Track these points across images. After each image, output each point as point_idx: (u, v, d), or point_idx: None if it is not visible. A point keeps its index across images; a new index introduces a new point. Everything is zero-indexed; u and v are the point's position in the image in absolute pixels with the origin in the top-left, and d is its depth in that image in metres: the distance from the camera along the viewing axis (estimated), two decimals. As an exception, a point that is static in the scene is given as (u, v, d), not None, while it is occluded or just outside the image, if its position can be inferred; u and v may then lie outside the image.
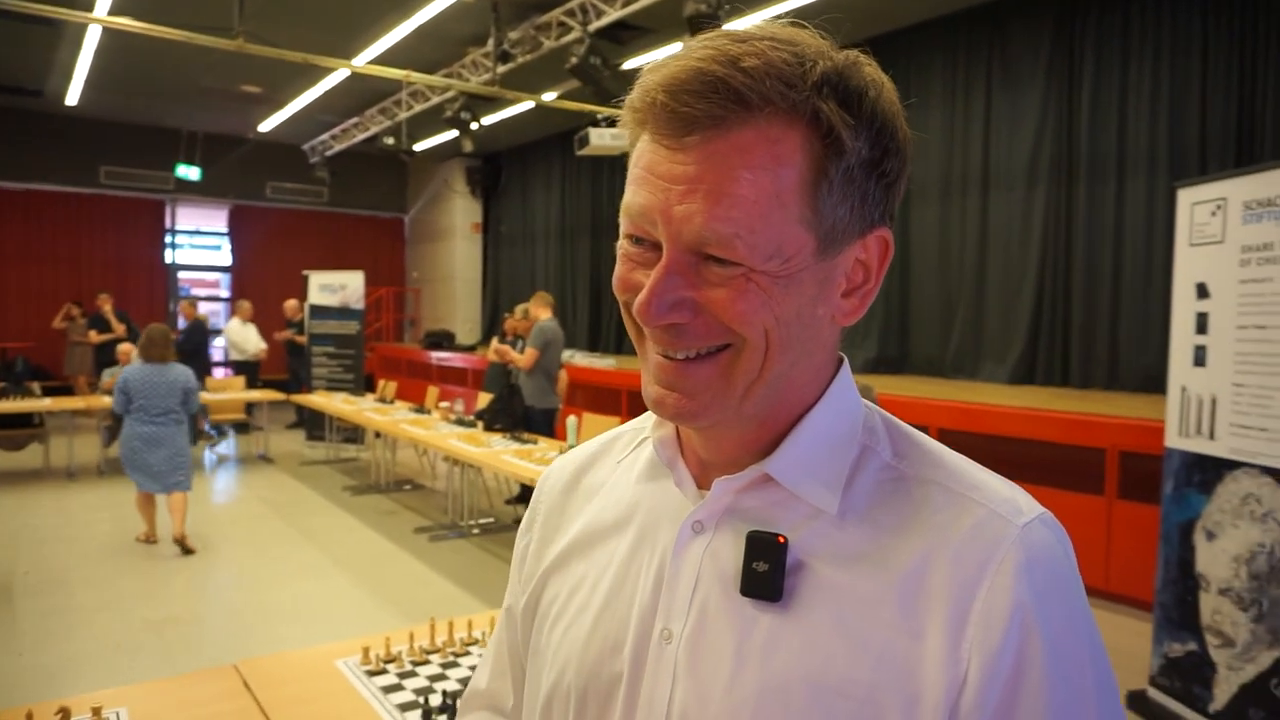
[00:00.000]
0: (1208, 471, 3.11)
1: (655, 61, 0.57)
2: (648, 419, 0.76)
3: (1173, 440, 3.31)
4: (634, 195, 0.57)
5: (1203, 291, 3.19)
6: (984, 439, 5.25)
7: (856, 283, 0.61)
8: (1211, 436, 3.11)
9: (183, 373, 5.67)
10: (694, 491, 0.66)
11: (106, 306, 10.43)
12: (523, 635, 0.78)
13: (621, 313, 0.62)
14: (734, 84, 0.53)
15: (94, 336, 10.42)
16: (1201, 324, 3.19)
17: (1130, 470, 4.59)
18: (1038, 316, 6.98)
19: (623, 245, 0.60)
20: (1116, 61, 6.47)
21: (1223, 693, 3.00)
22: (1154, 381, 5.89)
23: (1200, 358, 3.18)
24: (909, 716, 0.54)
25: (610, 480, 0.76)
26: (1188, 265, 3.27)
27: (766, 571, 0.59)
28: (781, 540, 0.60)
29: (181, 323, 11.00)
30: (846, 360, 0.67)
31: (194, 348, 9.99)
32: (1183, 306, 3.29)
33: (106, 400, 8.08)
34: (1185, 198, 3.29)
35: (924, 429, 5.58)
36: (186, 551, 5.50)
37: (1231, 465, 3.01)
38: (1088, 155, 6.65)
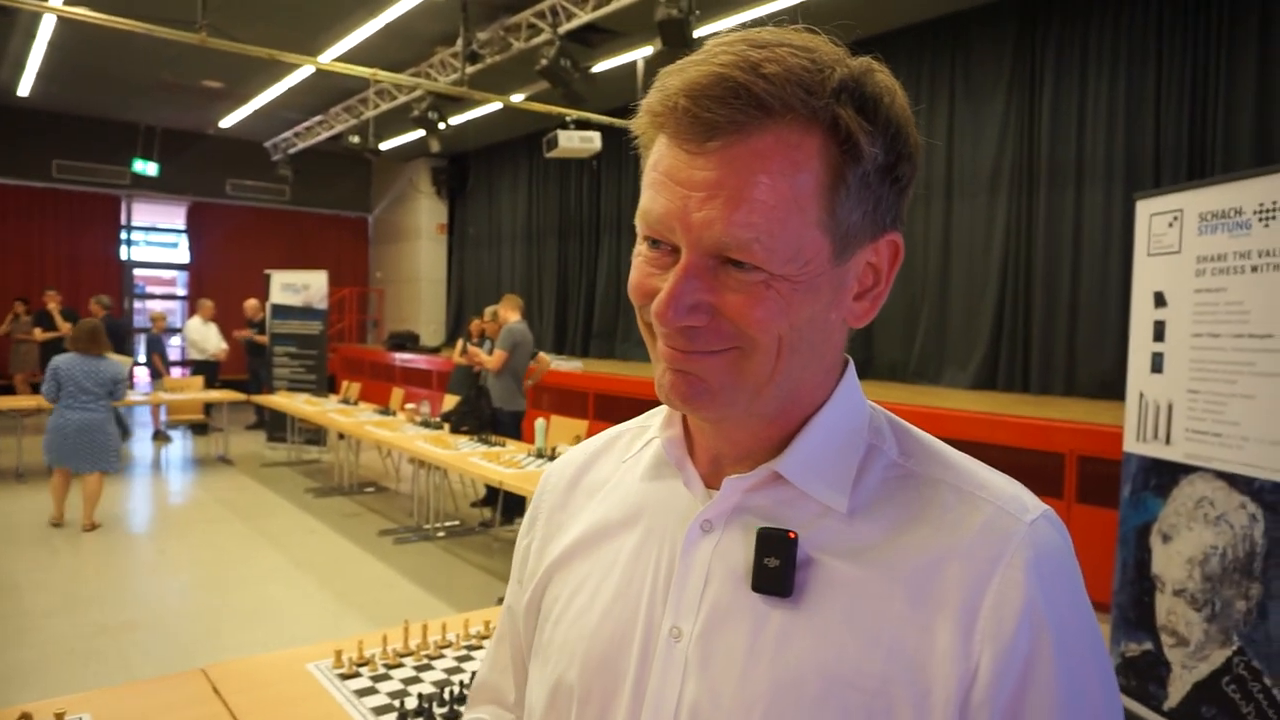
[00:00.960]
0: (1164, 476, 3.20)
1: (673, 65, 0.57)
2: (650, 418, 0.76)
3: (1131, 445, 3.40)
4: (653, 200, 0.58)
5: (1160, 300, 3.28)
6: (946, 443, 5.33)
7: (868, 285, 0.62)
8: (1168, 441, 3.20)
9: (114, 366, 5.99)
10: (702, 491, 0.67)
11: (52, 304, 10.13)
12: (525, 635, 0.78)
13: (636, 317, 0.63)
14: (756, 90, 0.53)
15: (38, 334, 10.13)
16: (1159, 332, 3.28)
17: (1088, 474, 4.70)
18: (999, 323, 7.11)
19: (639, 249, 0.61)
20: (1075, 73, 6.63)
21: (1177, 691, 3.08)
22: (1109, 388, 6.03)
23: (1158, 364, 3.27)
24: (920, 709, 0.55)
25: (614, 479, 0.76)
26: (1146, 274, 3.36)
27: (778, 567, 0.60)
28: (792, 536, 0.61)
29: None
30: (852, 362, 0.68)
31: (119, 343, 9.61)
32: (1141, 314, 3.37)
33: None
34: (1144, 209, 3.38)
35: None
36: (92, 528, 5.92)
37: (1187, 470, 3.10)
38: (1048, 164, 6.80)
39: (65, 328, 9.91)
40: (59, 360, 5.84)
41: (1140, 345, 3.36)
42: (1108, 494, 4.33)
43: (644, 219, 0.59)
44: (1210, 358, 3.03)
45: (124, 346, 9.28)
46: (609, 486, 0.76)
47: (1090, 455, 4.68)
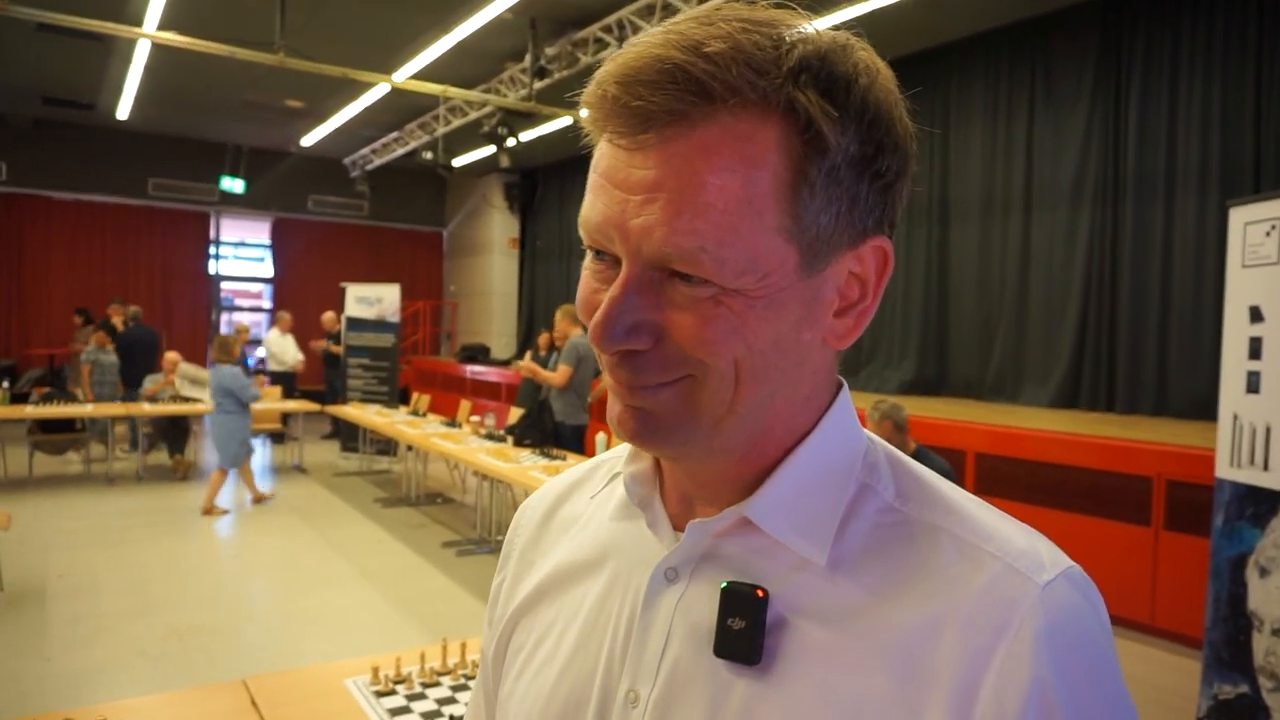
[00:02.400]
0: (1261, 504, 2.96)
1: (615, 52, 0.50)
2: (626, 448, 0.69)
3: (1223, 470, 3.16)
4: (590, 206, 0.51)
5: (1256, 315, 3.05)
6: (1024, 465, 5.09)
7: (851, 300, 0.53)
8: (1265, 467, 2.96)
9: (224, 374, 6.86)
10: (669, 534, 0.58)
11: (117, 317, 10.26)
12: (494, 683, 0.71)
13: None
14: (694, 72, 0.46)
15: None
16: (1255, 349, 3.04)
17: (1178, 500, 4.41)
18: (1081, 339, 6.79)
19: (586, 261, 0.54)
20: (1165, 78, 6.30)
21: (1277, 739, 2.84)
22: (1203, 408, 5.69)
23: (1254, 384, 3.04)
24: None
25: (585, 514, 0.68)
26: (1240, 287, 3.13)
27: (744, 629, 0.52)
28: (761, 594, 0.52)
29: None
30: (846, 386, 0.59)
31: (127, 354, 9.53)
32: (1235, 330, 3.14)
33: (147, 407, 8.23)
34: (1238, 217, 3.15)
35: (960, 453, 5.45)
36: (256, 500, 7.23)
37: (1287, 498, 2.86)
38: (1135, 174, 6.48)
39: None
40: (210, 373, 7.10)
41: (1234, 363, 3.13)
42: (1199, 522, 4.05)
43: (583, 226, 0.52)
44: (1314, 378, 2.79)
45: (147, 360, 9.44)
46: (580, 523, 0.68)
47: (1180, 480, 4.39)
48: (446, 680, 1.98)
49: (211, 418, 7.00)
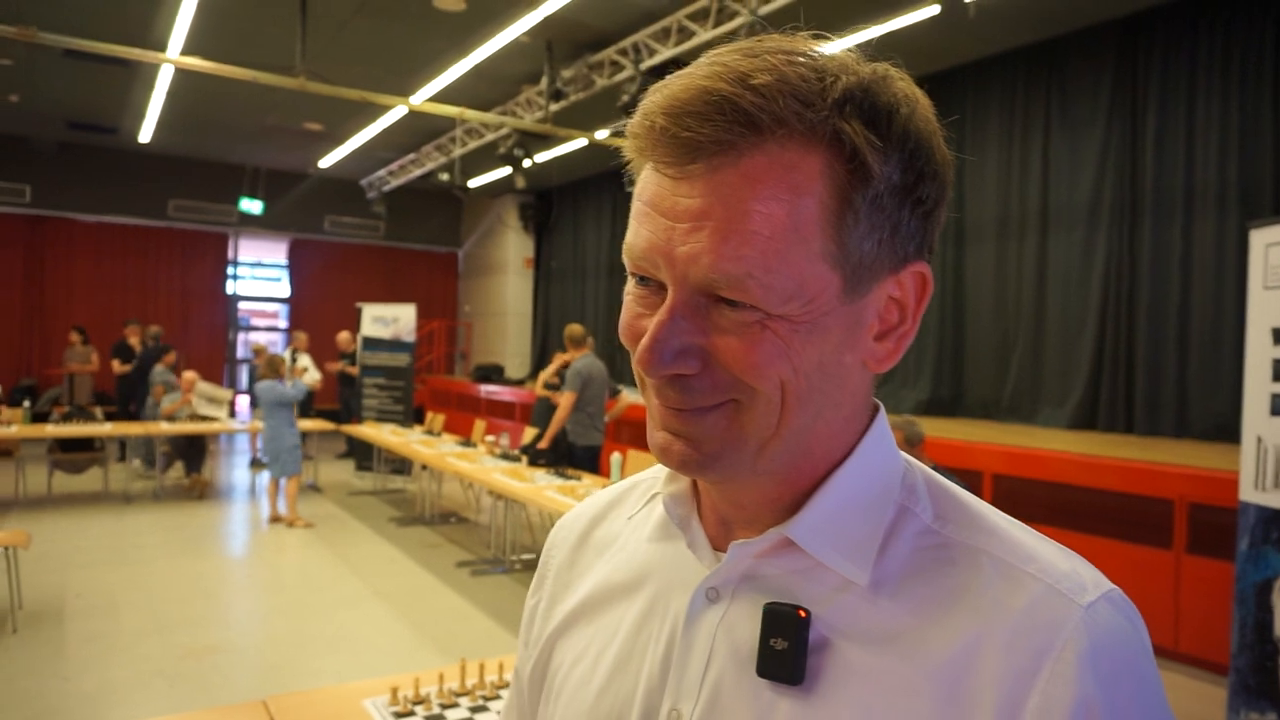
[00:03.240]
0: (1287, 528, 2.92)
1: (659, 82, 0.51)
2: (663, 469, 0.69)
3: (1247, 494, 3.12)
4: (635, 233, 0.52)
5: (1279, 337, 3.03)
6: (1042, 486, 5.04)
7: (891, 324, 0.54)
8: (1291, 490, 2.92)
9: (273, 388, 7.34)
10: (709, 555, 0.59)
11: (134, 338, 10.39)
12: (530, 705, 0.71)
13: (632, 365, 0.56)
14: (743, 104, 0.47)
15: (117, 366, 10.35)
16: (1278, 371, 3.02)
17: (1200, 523, 4.36)
18: (1099, 359, 6.74)
19: (629, 287, 0.55)
20: (1183, 97, 6.29)
21: (1306, 768, 2.78)
22: (1225, 430, 5.62)
23: (1277, 407, 3.01)
24: None
25: (622, 535, 0.69)
26: (1262, 309, 3.11)
27: (786, 650, 0.52)
28: (803, 614, 0.53)
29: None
30: (883, 409, 0.60)
31: (142, 373, 9.88)
32: (1257, 352, 3.12)
33: (164, 427, 8.29)
34: (1259, 239, 3.14)
35: (978, 474, 5.40)
36: (289, 525, 7.24)
37: (1313, 522, 2.82)
38: (1153, 193, 6.45)
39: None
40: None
41: (1257, 385, 3.10)
42: (1223, 545, 4.00)
43: (628, 253, 0.53)
44: (1339, 400, 2.76)
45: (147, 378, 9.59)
46: (617, 544, 0.68)
47: (1203, 503, 4.34)
48: (465, 701, 1.97)
49: (265, 432, 7.37)
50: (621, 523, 0.70)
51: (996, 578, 0.52)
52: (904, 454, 0.60)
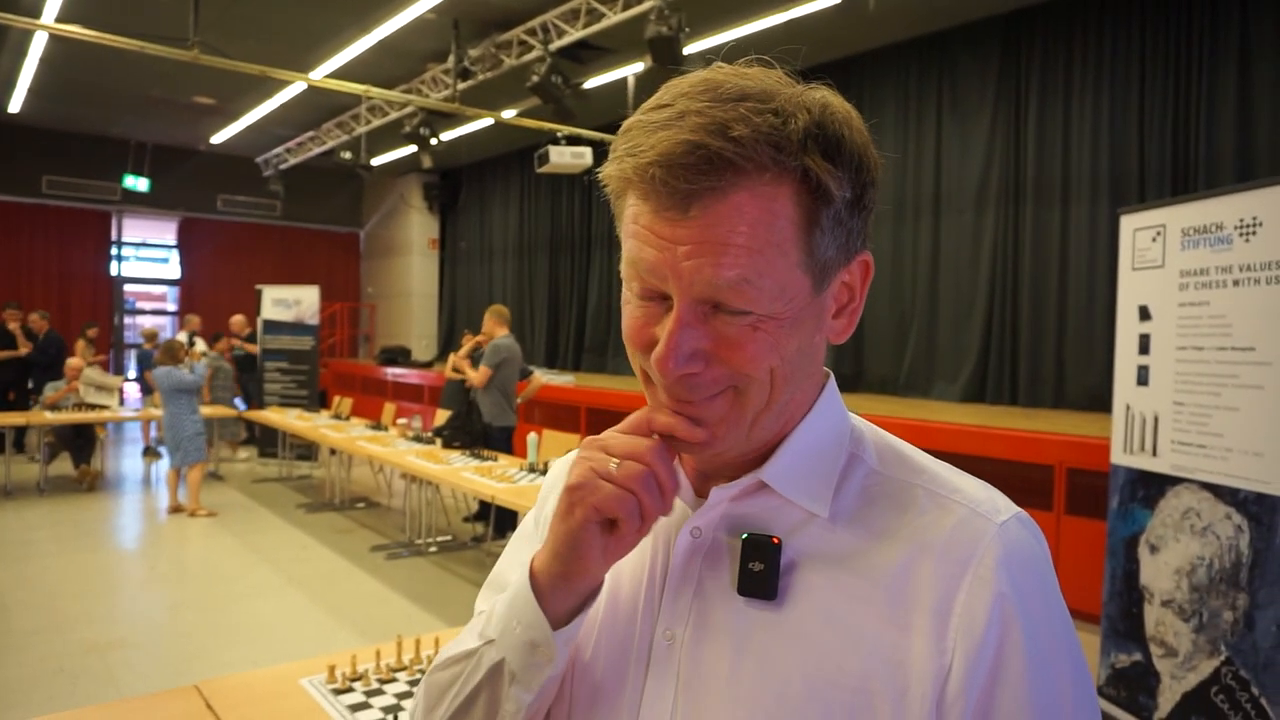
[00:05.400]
0: (1151, 487, 3.23)
1: (639, 119, 0.59)
2: None
3: (1118, 457, 3.43)
4: (639, 250, 0.60)
5: (1145, 314, 3.32)
6: (936, 456, 5.36)
7: (844, 303, 0.66)
8: (1154, 453, 3.23)
9: (171, 375, 7.05)
10: (692, 498, 0.70)
11: (13, 324, 9.78)
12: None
13: (630, 361, 0.65)
14: (728, 155, 0.56)
15: None
16: (1144, 345, 3.32)
17: (1077, 486, 4.73)
18: (988, 337, 7.17)
19: (629, 297, 0.64)
20: (1060, 91, 6.72)
21: (1166, 701, 3.10)
22: (1098, 400, 6.08)
23: (1143, 377, 3.31)
24: (898, 706, 0.58)
25: None
26: (1130, 289, 3.40)
27: (762, 571, 0.63)
28: (776, 541, 0.64)
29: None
30: (832, 374, 0.72)
31: (50, 361, 9.50)
32: (1126, 328, 3.41)
33: (48, 416, 7.86)
34: (1128, 224, 3.42)
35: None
36: (190, 514, 7.01)
37: (1173, 481, 3.13)
38: (1034, 181, 6.88)
39: (27, 347, 9.70)
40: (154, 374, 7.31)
41: (1126, 358, 3.40)
42: (1097, 506, 4.37)
43: (634, 267, 0.61)
44: (1194, 370, 3.07)
45: (58, 365, 9.16)
46: None
47: (1079, 467, 4.71)
48: (403, 676, 2.02)
49: (165, 420, 7.07)
50: None
51: (929, 505, 0.64)
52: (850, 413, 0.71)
